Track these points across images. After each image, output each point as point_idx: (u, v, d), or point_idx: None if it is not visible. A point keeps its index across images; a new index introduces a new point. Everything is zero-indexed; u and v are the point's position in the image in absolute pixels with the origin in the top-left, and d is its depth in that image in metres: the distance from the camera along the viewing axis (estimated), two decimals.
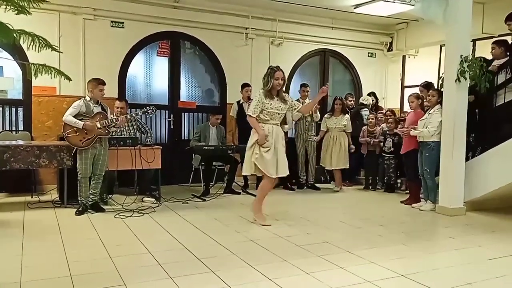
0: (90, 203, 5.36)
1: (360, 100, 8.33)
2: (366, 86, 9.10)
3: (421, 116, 5.86)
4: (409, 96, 6.18)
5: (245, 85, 7.17)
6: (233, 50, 7.88)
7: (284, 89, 5.10)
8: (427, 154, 5.74)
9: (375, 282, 3.21)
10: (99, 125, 5.22)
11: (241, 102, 7.21)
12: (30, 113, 6.64)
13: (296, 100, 7.54)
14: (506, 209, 5.79)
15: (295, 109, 5.14)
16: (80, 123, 5.15)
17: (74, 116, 5.18)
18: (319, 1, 7.41)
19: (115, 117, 5.55)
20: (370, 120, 7.38)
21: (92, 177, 5.34)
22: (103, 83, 5.36)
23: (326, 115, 7.32)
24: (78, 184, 5.27)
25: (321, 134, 7.36)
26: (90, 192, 5.35)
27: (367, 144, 7.39)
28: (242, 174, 5.37)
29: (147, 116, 6.02)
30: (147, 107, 5.77)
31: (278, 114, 4.90)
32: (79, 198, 5.30)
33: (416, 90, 6.82)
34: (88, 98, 5.33)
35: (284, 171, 4.95)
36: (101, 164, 5.34)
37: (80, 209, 5.24)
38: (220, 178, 7.22)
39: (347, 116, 7.25)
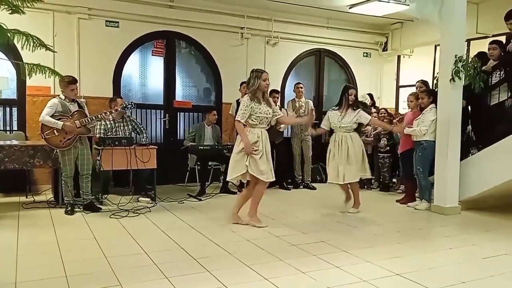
0: (85, 203, 5.35)
1: (360, 99, 8.34)
2: (361, 86, 9.11)
3: (418, 115, 5.88)
4: (409, 95, 6.18)
5: (244, 83, 7.17)
6: (229, 50, 7.87)
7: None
8: (419, 154, 5.77)
9: (371, 281, 3.22)
10: (78, 124, 5.14)
11: (239, 101, 7.21)
12: (24, 113, 6.60)
13: (292, 100, 7.62)
14: (501, 208, 5.82)
15: (276, 116, 4.92)
16: (59, 124, 5.04)
17: (51, 116, 5.06)
18: (314, 1, 7.41)
19: (93, 115, 5.42)
20: None
21: (80, 178, 5.30)
22: (74, 82, 5.21)
23: (330, 110, 5.65)
24: (63, 185, 5.24)
25: (320, 131, 5.87)
26: (82, 192, 5.33)
27: None
28: (227, 179, 5.03)
29: (127, 110, 5.88)
30: (126, 103, 5.77)
31: (266, 118, 4.80)
32: (65, 199, 5.27)
33: (412, 90, 6.83)
34: (63, 97, 5.21)
35: (273, 176, 4.83)
36: (87, 163, 5.30)
37: (69, 209, 5.22)
38: (216, 178, 7.21)
39: (360, 111, 5.49)
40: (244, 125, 4.72)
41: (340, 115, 5.45)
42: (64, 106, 5.17)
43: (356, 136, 5.48)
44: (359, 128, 5.58)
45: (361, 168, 5.44)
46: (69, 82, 5.16)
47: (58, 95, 5.32)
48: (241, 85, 7.14)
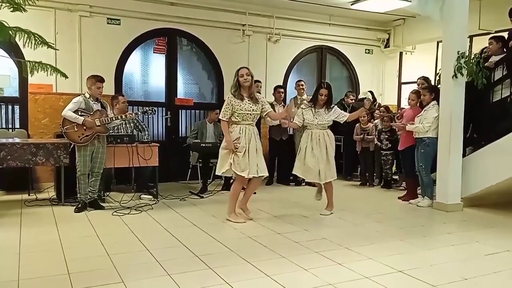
0: (88, 200, 5.35)
1: (362, 96, 8.35)
2: (363, 82, 9.12)
3: (419, 112, 5.87)
4: (411, 93, 6.16)
5: (254, 81, 7.11)
6: (230, 47, 7.86)
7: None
8: (422, 150, 5.75)
9: (373, 278, 3.22)
10: (98, 123, 5.21)
11: None
12: (26, 110, 6.61)
13: (294, 97, 7.59)
14: (503, 205, 5.81)
15: (264, 111, 4.93)
16: (80, 119, 5.14)
17: (73, 112, 5.17)
18: None
19: (115, 115, 5.55)
20: (362, 117, 7.37)
21: (90, 174, 5.33)
22: (102, 81, 5.34)
23: (302, 105, 5.47)
24: (77, 181, 5.26)
25: (292, 126, 5.60)
26: (89, 189, 5.34)
27: (360, 141, 7.41)
28: (216, 173, 5.13)
29: (146, 116, 6.03)
30: (146, 108, 5.80)
31: (250, 115, 4.81)
32: (78, 195, 5.29)
33: (414, 86, 6.82)
34: (87, 95, 5.33)
35: (259, 171, 4.82)
36: (100, 162, 5.34)
37: (79, 206, 5.24)
38: (218, 175, 7.19)
39: (335, 107, 5.35)
40: (228, 123, 4.81)
41: (316, 112, 5.21)
42: (87, 104, 5.27)
43: (331, 133, 5.31)
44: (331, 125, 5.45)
45: (334, 168, 5.26)
46: (97, 80, 5.28)
47: (83, 94, 5.40)
48: (254, 82, 7.07)
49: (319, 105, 5.22)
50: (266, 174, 5.00)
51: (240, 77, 4.79)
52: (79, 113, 5.19)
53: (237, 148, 4.70)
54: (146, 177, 6.23)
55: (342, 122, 5.42)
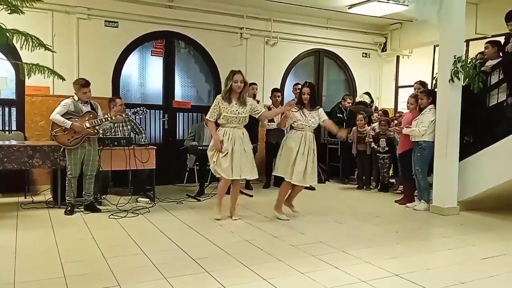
0: (85, 203, 5.35)
1: (358, 99, 8.36)
2: (361, 86, 9.13)
3: (417, 116, 5.89)
4: (409, 97, 6.18)
5: (250, 84, 7.12)
6: (228, 50, 7.87)
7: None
8: (418, 154, 5.77)
9: (370, 281, 3.22)
10: (88, 125, 5.17)
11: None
12: (23, 113, 6.60)
13: (292, 100, 7.60)
14: (500, 208, 5.82)
15: (257, 113, 5.05)
16: (68, 123, 5.09)
17: (62, 115, 5.12)
18: (313, 1, 7.41)
19: (105, 116, 5.50)
20: (359, 121, 7.39)
21: (84, 178, 5.30)
22: (86, 85, 5.24)
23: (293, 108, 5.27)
24: (67, 184, 5.24)
25: (283, 124, 5.33)
26: (84, 193, 5.33)
27: (356, 143, 7.42)
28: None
29: (137, 116, 5.97)
30: (137, 108, 5.76)
31: (236, 118, 4.89)
32: (67, 198, 5.27)
33: (411, 90, 6.85)
34: (76, 98, 5.28)
35: (242, 174, 4.93)
36: (92, 165, 5.31)
37: (69, 209, 5.22)
38: (215, 178, 7.19)
39: (321, 110, 5.23)
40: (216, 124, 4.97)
41: (309, 113, 5.09)
42: (76, 107, 5.24)
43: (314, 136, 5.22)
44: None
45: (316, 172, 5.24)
46: (81, 86, 5.24)
47: (72, 96, 5.36)
48: (250, 85, 7.08)
49: (306, 106, 5.09)
50: (251, 176, 5.09)
51: (234, 82, 4.88)
52: (68, 116, 5.12)
53: (221, 149, 4.84)
54: (143, 180, 6.22)
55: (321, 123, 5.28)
